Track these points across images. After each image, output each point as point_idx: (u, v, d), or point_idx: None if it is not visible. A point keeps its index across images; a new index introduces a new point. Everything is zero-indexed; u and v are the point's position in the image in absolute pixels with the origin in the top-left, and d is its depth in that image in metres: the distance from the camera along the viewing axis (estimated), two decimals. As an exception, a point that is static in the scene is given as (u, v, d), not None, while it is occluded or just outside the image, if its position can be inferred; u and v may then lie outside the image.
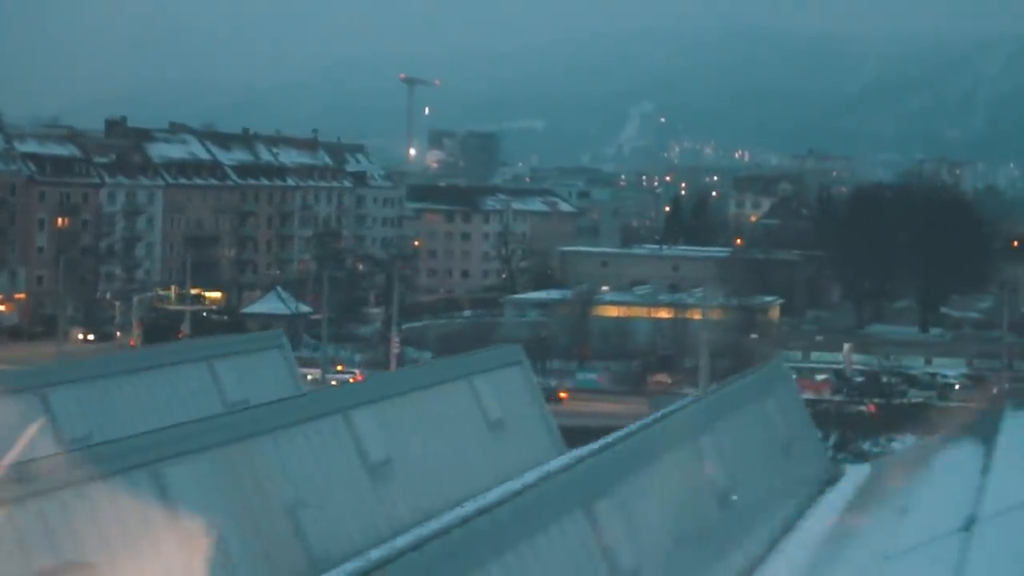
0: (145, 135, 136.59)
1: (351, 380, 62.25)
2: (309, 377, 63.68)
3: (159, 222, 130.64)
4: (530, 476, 17.77)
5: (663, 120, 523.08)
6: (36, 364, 32.14)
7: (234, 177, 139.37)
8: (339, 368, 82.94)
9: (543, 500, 14.48)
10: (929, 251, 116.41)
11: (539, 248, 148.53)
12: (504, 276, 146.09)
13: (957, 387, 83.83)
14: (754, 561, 17.75)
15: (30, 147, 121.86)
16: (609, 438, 18.31)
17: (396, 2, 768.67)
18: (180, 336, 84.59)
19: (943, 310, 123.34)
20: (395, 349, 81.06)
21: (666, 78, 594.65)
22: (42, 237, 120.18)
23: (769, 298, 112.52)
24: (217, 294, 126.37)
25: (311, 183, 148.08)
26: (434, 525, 13.53)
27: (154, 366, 26.39)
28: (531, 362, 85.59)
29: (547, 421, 26.77)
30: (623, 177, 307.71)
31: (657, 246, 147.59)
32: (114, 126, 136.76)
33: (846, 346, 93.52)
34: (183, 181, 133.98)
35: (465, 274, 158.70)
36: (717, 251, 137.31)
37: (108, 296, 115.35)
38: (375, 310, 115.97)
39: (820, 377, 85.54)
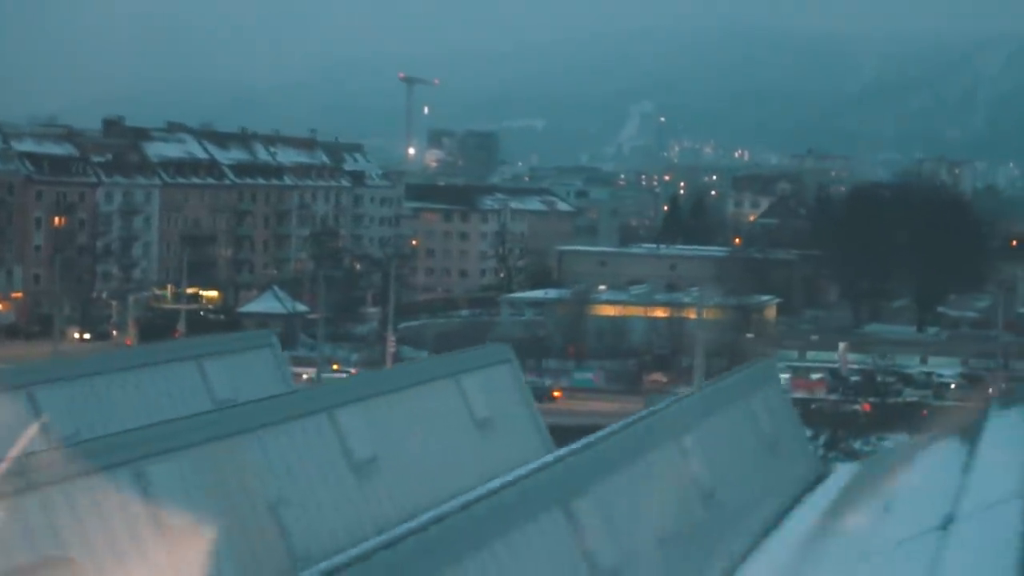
0: (142, 134, 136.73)
1: (346, 379, 62.20)
2: (305, 376, 63.76)
3: (156, 221, 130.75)
4: (511, 474, 17.76)
5: (663, 120, 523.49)
6: (23, 362, 32.08)
7: (231, 176, 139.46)
8: (335, 367, 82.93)
9: (521, 498, 14.48)
10: (926, 250, 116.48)
11: (537, 247, 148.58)
12: (502, 275, 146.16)
13: (953, 386, 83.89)
14: (736, 559, 17.75)
15: (27, 146, 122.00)
16: (591, 437, 18.30)
17: (396, 2, 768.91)
18: (176, 335, 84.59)
19: (940, 309, 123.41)
20: (391, 348, 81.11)
21: (666, 78, 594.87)
22: (39, 236, 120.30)
23: (766, 297, 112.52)
24: (214, 293, 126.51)
25: (308, 182, 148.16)
26: (410, 523, 13.50)
27: (143, 365, 26.33)
28: (527, 361, 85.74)
29: (536, 420, 26.65)
30: (622, 176, 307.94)
31: (655, 245, 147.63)
32: (111, 125, 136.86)
33: (841, 345, 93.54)
34: (180, 180, 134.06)
35: (463, 273, 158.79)
36: (715, 250, 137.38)
37: (104, 295, 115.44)
38: (372, 309, 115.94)
39: (816, 376, 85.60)
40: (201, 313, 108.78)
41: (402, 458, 20.76)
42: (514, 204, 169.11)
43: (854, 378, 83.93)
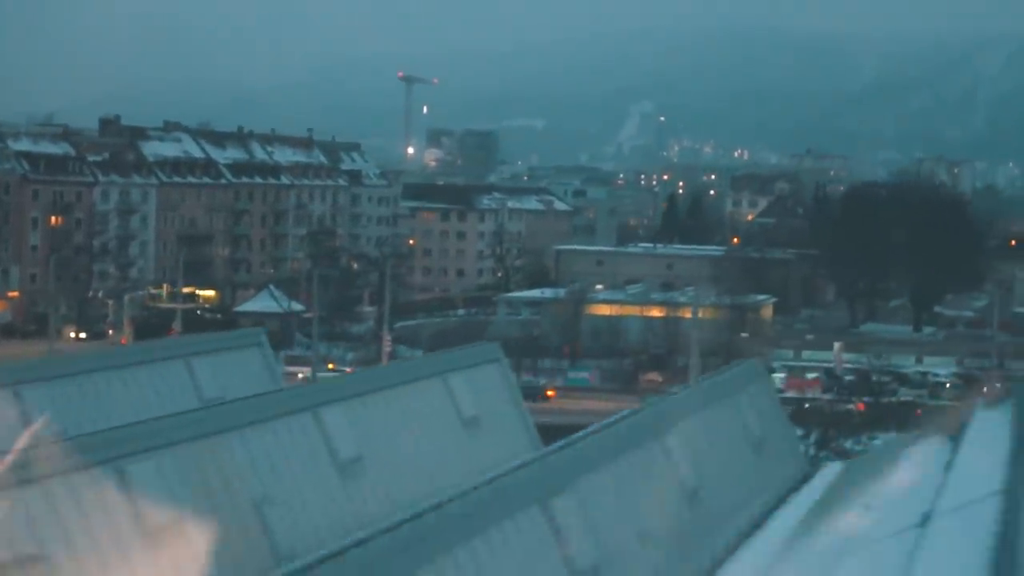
0: (139, 133, 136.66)
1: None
2: (300, 376, 63.73)
3: (153, 220, 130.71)
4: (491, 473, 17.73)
5: (663, 119, 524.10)
6: (10, 360, 32.01)
7: (228, 175, 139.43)
8: (330, 366, 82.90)
9: (499, 496, 14.44)
10: (923, 250, 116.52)
11: (534, 247, 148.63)
12: (499, 275, 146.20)
13: (948, 386, 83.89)
14: (718, 558, 17.72)
15: (24, 145, 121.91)
16: (575, 435, 18.27)
17: (396, 2, 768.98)
18: (171, 334, 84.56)
19: (937, 309, 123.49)
20: (387, 348, 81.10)
21: (666, 78, 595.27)
22: (35, 235, 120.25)
23: (762, 297, 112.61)
24: (211, 292, 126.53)
25: (306, 182, 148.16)
26: (385, 522, 13.47)
27: (131, 363, 26.22)
28: (523, 361, 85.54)
29: (524, 419, 26.57)
30: (621, 176, 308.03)
31: (652, 245, 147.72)
32: (108, 124, 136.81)
33: (836, 345, 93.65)
34: (177, 179, 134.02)
35: (460, 273, 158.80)
36: (712, 250, 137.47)
37: (101, 294, 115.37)
38: (368, 308, 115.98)
39: (811, 375, 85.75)
40: (197, 312, 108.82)
41: (388, 457, 20.72)
42: (512, 203, 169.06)
43: (849, 378, 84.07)
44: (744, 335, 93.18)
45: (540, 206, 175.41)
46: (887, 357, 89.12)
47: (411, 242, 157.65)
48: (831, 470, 24.00)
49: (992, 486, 13.87)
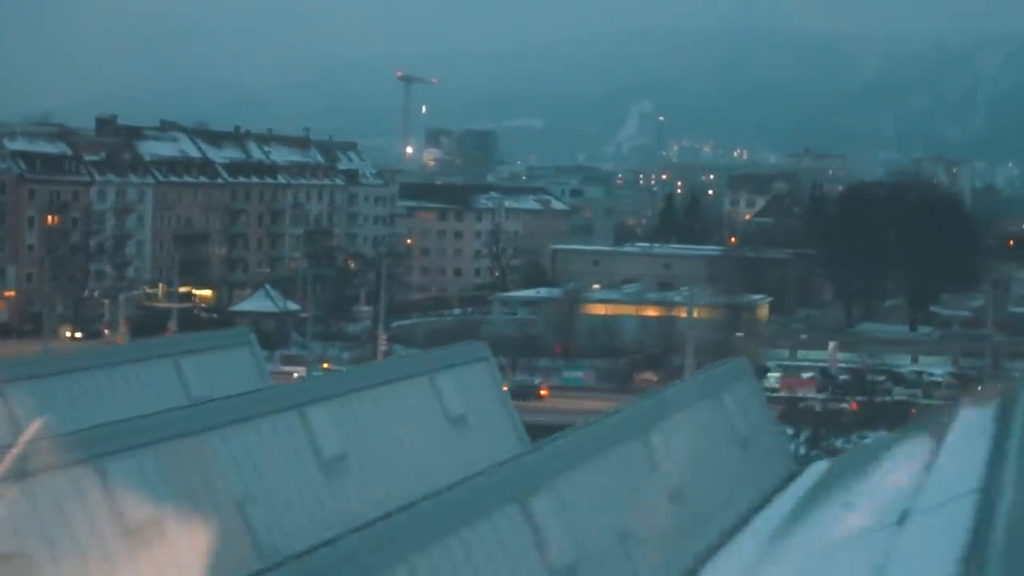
0: (136, 133, 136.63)
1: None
2: (295, 375, 63.69)
3: (149, 220, 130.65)
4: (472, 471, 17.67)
5: (662, 119, 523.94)
6: (1, 360, 31.96)
7: (225, 175, 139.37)
8: (326, 366, 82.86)
9: (476, 494, 14.38)
10: (920, 250, 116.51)
11: (531, 246, 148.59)
12: (496, 274, 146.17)
13: (942, 385, 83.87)
14: (701, 557, 17.67)
15: (20, 145, 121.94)
16: (557, 434, 18.23)
17: (396, 2, 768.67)
18: (167, 334, 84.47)
19: (933, 309, 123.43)
20: (383, 347, 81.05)
21: (666, 78, 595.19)
22: (32, 235, 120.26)
23: (758, 296, 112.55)
24: (207, 292, 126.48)
25: (302, 181, 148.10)
26: (358, 522, 13.40)
27: (119, 362, 26.16)
28: (519, 360, 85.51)
29: (512, 418, 26.50)
30: (620, 176, 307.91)
31: (648, 244, 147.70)
32: (104, 124, 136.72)
33: (831, 344, 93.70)
34: (173, 179, 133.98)
35: (457, 272, 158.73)
36: (709, 249, 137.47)
37: (97, 294, 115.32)
38: (365, 308, 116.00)
39: (806, 375, 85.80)
40: (194, 311, 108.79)
41: (373, 456, 20.65)
42: (509, 203, 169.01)
43: (843, 377, 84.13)
44: (739, 335, 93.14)
45: (537, 206, 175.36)
46: (882, 357, 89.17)
47: (408, 242, 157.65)
48: (817, 469, 23.96)
49: (970, 484, 13.85)
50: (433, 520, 13.34)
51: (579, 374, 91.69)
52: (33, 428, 21.90)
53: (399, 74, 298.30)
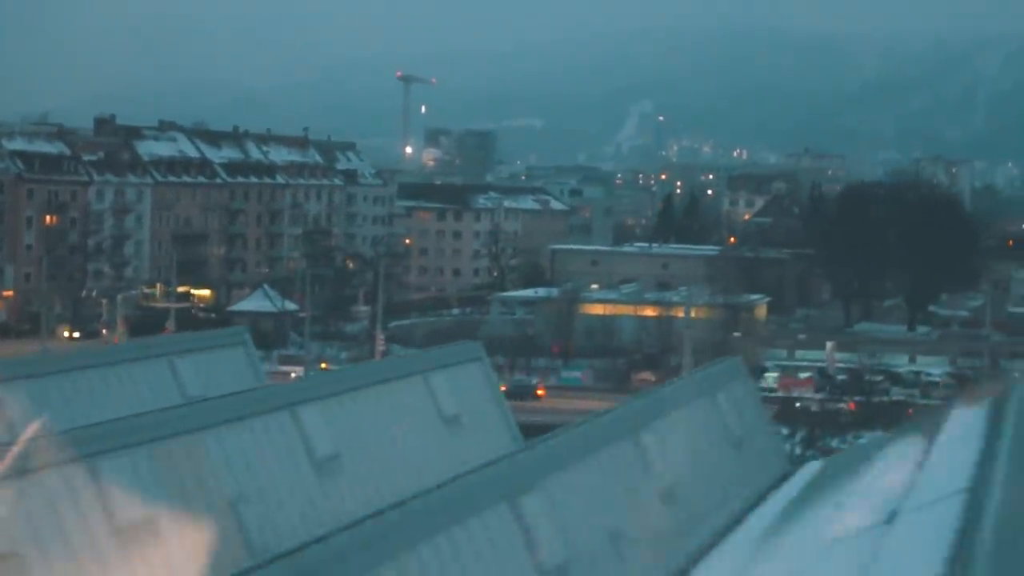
0: (134, 133, 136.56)
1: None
2: (293, 375, 63.67)
3: (147, 220, 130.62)
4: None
5: (662, 119, 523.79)
6: (-2, 360, 32.02)
7: (223, 175, 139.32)
8: (324, 366, 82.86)
9: (467, 493, 14.39)
10: (918, 249, 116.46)
11: (530, 246, 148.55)
12: (495, 274, 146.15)
13: (940, 385, 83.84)
14: (692, 557, 17.68)
15: (19, 144, 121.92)
16: (549, 434, 18.23)
17: (396, 2, 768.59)
18: (165, 333, 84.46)
19: (932, 309, 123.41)
20: (380, 347, 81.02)
21: (665, 78, 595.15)
22: (30, 235, 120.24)
23: (756, 296, 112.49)
24: (206, 292, 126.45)
25: (301, 181, 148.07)
26: (348, 521, 13.42)
27: (114, 362, 26.19)
28: (517, 360, 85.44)
29: (506, 417, 26.52)
30: (619, 176, 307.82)
31: (647, 244, 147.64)
32: (103, 124, 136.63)
33: (829, 344, 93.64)
34: (172, 179, 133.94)
35: (456, 272, 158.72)
36: (708, 249, 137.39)
37: (95, 294, 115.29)
38: (363, 308, 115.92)
39: (804, 375, 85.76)
40: (192, 311, 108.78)
41: (367, 455, 20.67)
42: (508, 203, 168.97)
43: (841, 377, 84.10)
44: (738, 335, 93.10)
45: (536, 206, 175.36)
46: (880, 357, 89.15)
47: (407, 241, 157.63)
48: (810, 469, 23.97)
49: (959, 484, 13.86)
50: (423, 519, 13.36)
51: (577, 374, 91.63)
52: (29, 427, 21.94)
53: (399, 74, 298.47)
